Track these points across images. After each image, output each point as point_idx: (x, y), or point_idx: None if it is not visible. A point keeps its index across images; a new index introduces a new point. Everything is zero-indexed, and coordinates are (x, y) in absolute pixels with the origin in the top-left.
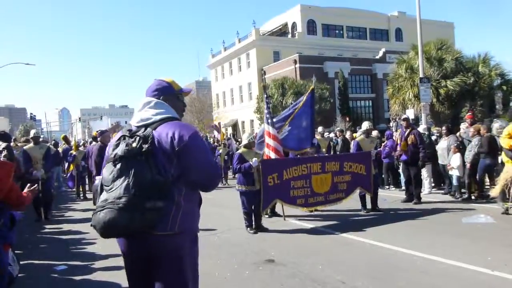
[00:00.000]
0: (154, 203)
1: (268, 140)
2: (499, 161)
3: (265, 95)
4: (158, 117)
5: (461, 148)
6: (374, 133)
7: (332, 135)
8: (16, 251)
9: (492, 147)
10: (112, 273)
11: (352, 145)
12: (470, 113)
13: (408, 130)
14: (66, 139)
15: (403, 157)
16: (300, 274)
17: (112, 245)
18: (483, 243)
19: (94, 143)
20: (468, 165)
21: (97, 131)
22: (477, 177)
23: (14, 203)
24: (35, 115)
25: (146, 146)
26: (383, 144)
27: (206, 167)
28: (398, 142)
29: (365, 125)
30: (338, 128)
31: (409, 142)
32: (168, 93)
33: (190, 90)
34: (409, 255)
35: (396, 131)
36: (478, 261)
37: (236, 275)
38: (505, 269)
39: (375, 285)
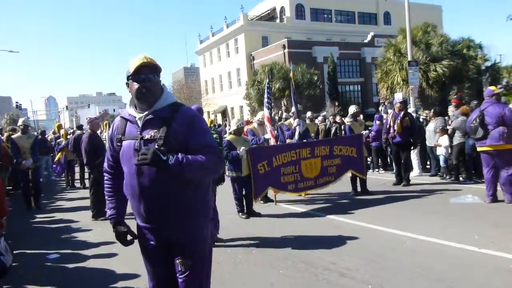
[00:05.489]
0: None
1: (271, 128)
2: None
3: (266, 80)
4: None
5: (447, 130)
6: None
7: (320, 119)
8: (7, 241)
9: None
10: (105, 260)
11: (344, 129)
12: (456, 97)
13: (403, 112)
14: (60, 128)
15: (397, 139)
16: (292, 257)
17: (103, 233)
18: (470, 222)
19: (78, 132)
20: (446, 142)
21: (86, 119)
22: (466, 157)
23: None
24: (20, 104)
25: None
26: (369, 128)
27: None
28: (392, 124)
29: (352, 109)
30: (331, 114)
31: (404, 125)
32: (127, 78)
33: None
34: (399, 235)
35: (386, 113)
36: (465, 240)
37: (229, 259)
38: (492, 247)
39: (366, 266)
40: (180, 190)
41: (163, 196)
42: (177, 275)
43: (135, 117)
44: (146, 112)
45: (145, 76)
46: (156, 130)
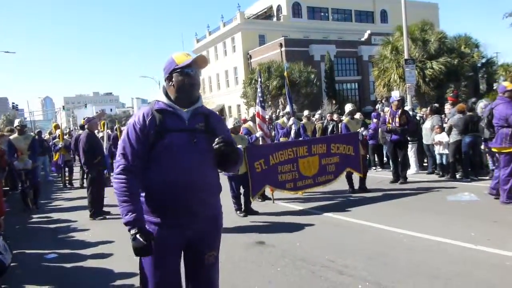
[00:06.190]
0: None
1: (259, 122)
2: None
3: (259, 79)
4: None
5: (444, 128)
6: (357, 115)
7: (317, 117)
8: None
9: (467, 126)
10: (103, 260)
11: (340, 127)
12: (452, 95)
13: (400, 110)
14: (56, 128)
15: (394, 137)
16: (290, 254)
17: (102, 233)
18: (467, 219)
19: (80, 131)
20: (446, 138)
21: (84, 119)
22: (463, 155)
23: None
24: (17, 105)
25: None
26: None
27: None
28: (390, 121)
29: (348, 107)
30: (328, 112)
31: (402, 122)
32: (171, 71)
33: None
34: (396, 233)
35: (383, 111)
36: (462, 237)
37: (227, 258)
38: (488, 244)
39: (363, 263)
40: (218, 182)
41: (210, 188)
42: (201, 268)
43: (180, 110)
44: (196, 106)
45: (195, 72)
46: (202, 124)
